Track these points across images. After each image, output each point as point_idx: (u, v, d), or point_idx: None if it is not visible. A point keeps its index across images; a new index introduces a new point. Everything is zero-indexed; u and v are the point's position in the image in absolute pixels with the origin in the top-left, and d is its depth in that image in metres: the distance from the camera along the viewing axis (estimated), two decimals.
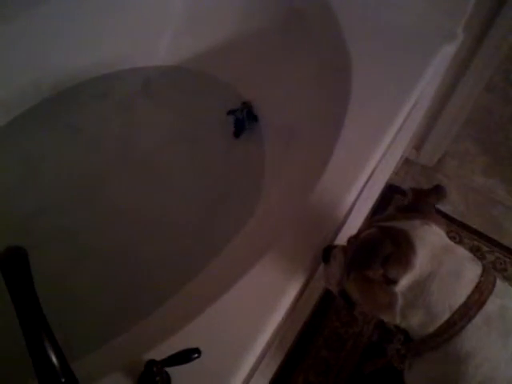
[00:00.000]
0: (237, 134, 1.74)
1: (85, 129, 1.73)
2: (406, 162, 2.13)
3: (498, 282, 0.86)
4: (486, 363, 0.81)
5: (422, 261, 0.83)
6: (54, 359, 0.68)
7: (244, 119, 1.73)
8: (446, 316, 0.83)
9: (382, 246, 0.85)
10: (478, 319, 0.82)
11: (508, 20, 1.51)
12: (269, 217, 1.30)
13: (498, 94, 2.39)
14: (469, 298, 0.83)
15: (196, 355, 0.81)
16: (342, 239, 1.20)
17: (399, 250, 0.84)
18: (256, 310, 0.94)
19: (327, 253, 1.02)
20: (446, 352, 0.85)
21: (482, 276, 0.84)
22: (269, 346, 0.99)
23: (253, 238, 1.17)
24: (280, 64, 1.74)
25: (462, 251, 0.88)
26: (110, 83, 1.83)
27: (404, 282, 0.84)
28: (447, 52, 1.51)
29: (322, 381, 1.55)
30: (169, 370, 0.82)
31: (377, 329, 1.65)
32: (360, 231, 0.95)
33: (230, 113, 1.76)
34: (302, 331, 1.58)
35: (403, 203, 1.00)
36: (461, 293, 0.83)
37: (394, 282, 0.84)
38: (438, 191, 0.99)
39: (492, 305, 0.83)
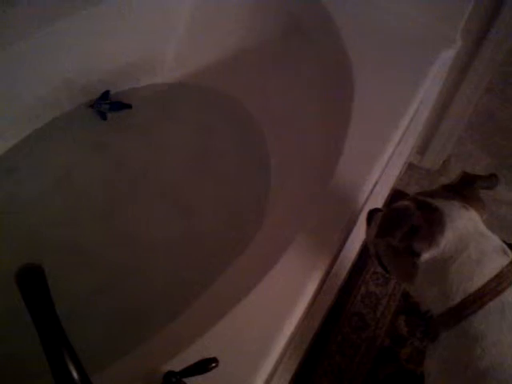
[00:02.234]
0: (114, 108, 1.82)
1: (105, 146, 1.76)
2: (410, 167, 2.14)
3: None
4: (495, 348, 0.83)
5: (447, 242, 0.86)
6: (74, 374, 0.69)
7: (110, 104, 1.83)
8: (458, 298, 0.86)
9: (410, 216, 0.88)
10: (491, 306, 0.84)
11: (505, 24, 1.53)
12: (275, 227, 1.32)
13: (498, 97, 2.40)
14: (485, 285, 0.84)
15: (214, 365, 0.82)
16: (350, 247, 1.21)
17: (429, 225, 0.87)
18: (271, 316, 0.95)
19: (371, 215, 1.07)
20: (457, 333, 0.88)
21: (505, 267, 0.86)
22: (284, 353, 1.00)
23: (263, 246, 1.18)
24: (283, 73, 1.76)
25: (492, 241, 0.89)
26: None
27: (426, 256, 0.87)
28: (446, 57, 1.53)
29: None
30: (187, 380, 0.83)
31: (388, 334, 1.65)
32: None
33: (103, 116, 1.82)
34: (314, 338, 1.59)
35: (450, 182, 1.00)
36: (478, 279, 0.85)
37: (418, 254, 0.87)
38: (490, 178, 0.99)
39: (510, 296, 0.84)
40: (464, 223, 0.88)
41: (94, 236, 1.52)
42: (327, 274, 1.10)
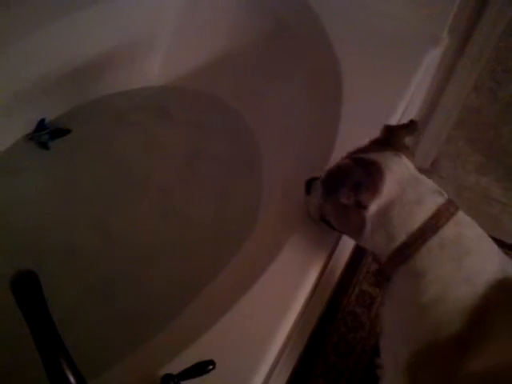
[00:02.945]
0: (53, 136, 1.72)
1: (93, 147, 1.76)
2: None
3: (461, 213, 0.92)
4: (436, 283, 0.88)
5: (388, 188, 0.91)
6: (71, 379, 0.69)
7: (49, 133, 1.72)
8: (402, 238, 0.91)
9: (352, 173, 0.93)
10: (432, 242, 0.89)
11: (491, 21, 1.55)
12: (269, 229, 1.32)
13: (485, 94, 2.42)
14: (425, 222, 0.89)
15: (211, 367, 0.82)
16: (343, 247, 1.22)
17: (370, 178, 0.92)
18: (267, 318, 0.95)
19: (309, 184, 1.09)
20: (404, 272, 0.92)
21: (442, 205, 0.91)
22: (281, 354, 1.00)
23: (257, 248, 1.18)
24: (272, 74, 1.77)
25: (427, 183, 0.95)
26: (107, 104, 1.86)
27: (373, 207, 0.92)
28: (434, 56, 1.54)
29: None
30: (185, 382, 0.83)
31: None
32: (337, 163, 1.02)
33: (42, 145, 1.72)
34: (310, 339, 1.59)
35: (378, 137, 1.06)
36: (417, 218, 0.90)
37: (365, 207, 0.92)
38: (409, 125, 1.05)
39: (448, 230, 0.89)
40: (400, 169, 0.94)
41: (89, 241, 1.52)
42: (322, 274, 1.10)
